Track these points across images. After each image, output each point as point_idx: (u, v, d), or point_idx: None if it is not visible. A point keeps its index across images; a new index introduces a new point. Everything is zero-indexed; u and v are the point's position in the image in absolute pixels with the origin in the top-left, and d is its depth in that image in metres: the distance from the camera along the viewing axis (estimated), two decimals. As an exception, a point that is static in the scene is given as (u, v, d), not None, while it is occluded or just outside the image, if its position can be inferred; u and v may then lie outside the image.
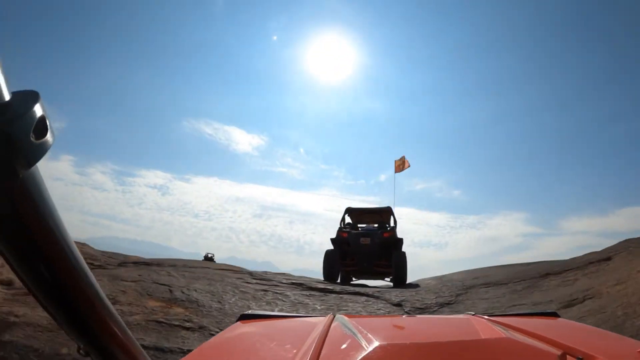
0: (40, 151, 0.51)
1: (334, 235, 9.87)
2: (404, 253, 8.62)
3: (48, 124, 0.52)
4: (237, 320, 1.57)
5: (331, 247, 9.39)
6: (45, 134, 0.51)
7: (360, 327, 1.17)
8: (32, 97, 0.51)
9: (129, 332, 0.69)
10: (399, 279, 8.15)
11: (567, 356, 0.98)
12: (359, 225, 9.66)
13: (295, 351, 1.05)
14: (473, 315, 1.54)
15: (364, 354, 0.94)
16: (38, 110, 0.51)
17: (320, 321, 1.41)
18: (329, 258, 8.32)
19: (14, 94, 0.51)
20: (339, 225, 9.54)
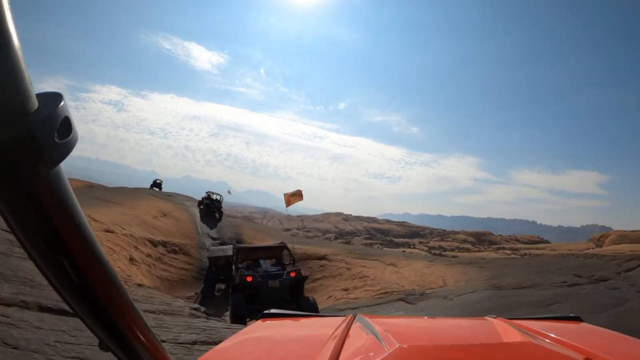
0: (64, 151, 0.53)
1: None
2: (313, 298, 8.28)
3: (72, 123, 0.54)
4: (258, 319, 1.63)
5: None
6: (69, 134, 0.53)
7: (381, 328, 1.19)
8: (56, 98, 0.53)
9: (149, 327, 0.77)
10: None
11: None
12: (258, 261, 9.02)
13: (315, 352, 1.09)
14: (495, 318, 1.55)
15: (384, 355, 0.97)
16: (62, 111, 0.53)
17: (340, 321, 1.45)
18: (236, 308, 7.60)
19: (38, 96, 0.53)
20: (234, 268, 9.02)
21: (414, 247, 77.64)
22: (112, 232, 15.20)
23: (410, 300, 11.88)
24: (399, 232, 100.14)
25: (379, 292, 13.31)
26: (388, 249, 28.52)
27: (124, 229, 16.71)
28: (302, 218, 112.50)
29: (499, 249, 77.66)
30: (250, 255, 9.98)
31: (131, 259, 14.54)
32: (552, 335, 1.21)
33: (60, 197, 0.57)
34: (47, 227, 0.57)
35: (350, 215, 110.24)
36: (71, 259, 0.60)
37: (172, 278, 17.71)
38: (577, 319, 1.67)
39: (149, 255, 16.97)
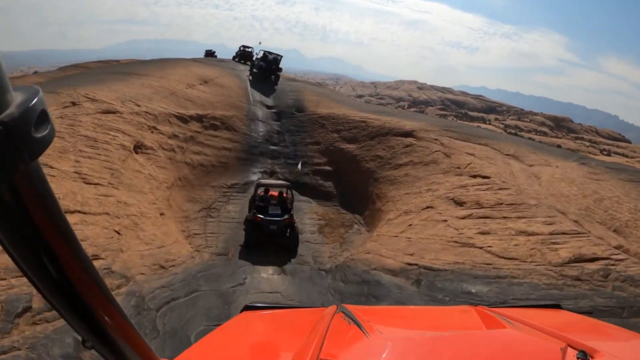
0: (41, 145, 0.52)
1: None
2: (297, 234, 10.60)
3: (49, 117, 0.54)
4: (241, 311, 1.66)
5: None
6: (47, 128, 0.53)
7: (364, 318, 1.22)
8: (32, 92, 0.53)
9: (133, 324, 0.78)
10: (293, 252, 10.20)
11: (569, 349, 1.01)
12: (269, 203, 10.92)
13: (298, 343, 1.11)
14: (476, 306, 1.57)
15: (367, 345, 1.01)
16: (39, 104, 0.52)
17: (323, 312, 1.47)
18: (248, 237, 10.22)
19: (15, 89, 0.52)
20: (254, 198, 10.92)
21: (489, 123, 73.20)
22: (114, 112, 10.91)
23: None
24: (474, 105, 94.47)
25: (570, 255, 6.16)
26: (486, 132, 20.76)
27: (138, 105, 12.40)
28: (375, 85, 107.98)
29: (577, 138, 72.02)
30: (267, 190, 11.56)
31: (138, 147, 10.29)
32: (532, 323, 1.22)
33: (39, 193, 0.56)
34: (26, 223, 0.56)
35: (425, 84, 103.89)
36: (51, 254, 0.60)
37: (209, 162, 13.88)
38: (556, 306, 1.69)
39: (174, 137, 12.85)
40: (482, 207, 8.12)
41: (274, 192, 11.78)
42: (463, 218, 7.88)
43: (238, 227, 11.11)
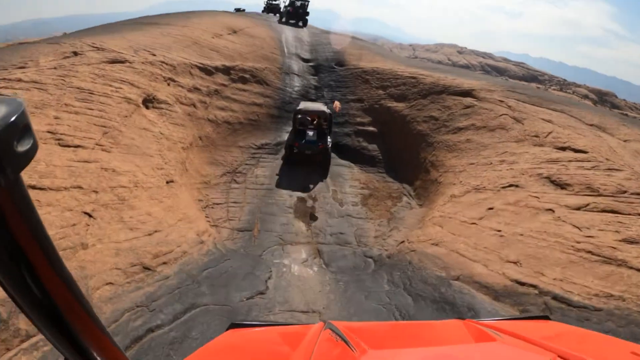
0: (24, 160, 0.51)
1: None
2: (329, 158, 11.80)
3: (32, 131, 0.53)
4: (227, 329, 1.58)
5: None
6: (29, 143, 0.52)
7: (351, 334, 1.20)
8: (15, 104, 0.51)
9: (118, 343, 0.76)
10: (325, 171, 11.43)
11: None
12: (307, 128, 11.80)
13: None
14: (464, 320, 1.57)
15: None
16: (21, 118, 0.51)
17: (310, 329, 1.45)
18: (288, 155, 11.67)
19: None
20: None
21: (530, 93, 69.63)
22: (122, 61, 9.22)
23: None
24: (515, 72, 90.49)
25: None
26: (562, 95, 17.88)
27: (154, 55, 10.65)
28: (413, 47, 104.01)
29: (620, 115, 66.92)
30: (305, 115, 12.07)
31: (149, 101, 8.63)
32: (521, 335, 1.21)
33: (21, 209, 0.55)
34: (7, 240, 0.54)
35: (465, 48, 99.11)
36: (33, 273, 0.58)
37: (236, 120, 12.21)
38: (545, 317, 1.66)
39: (195, 90, 11.13)
40: (599, 195, 5.59)
41: (315, 116, 12.28)
42: (578, 209, 5.37)
43: (267, 195, 9.52)
